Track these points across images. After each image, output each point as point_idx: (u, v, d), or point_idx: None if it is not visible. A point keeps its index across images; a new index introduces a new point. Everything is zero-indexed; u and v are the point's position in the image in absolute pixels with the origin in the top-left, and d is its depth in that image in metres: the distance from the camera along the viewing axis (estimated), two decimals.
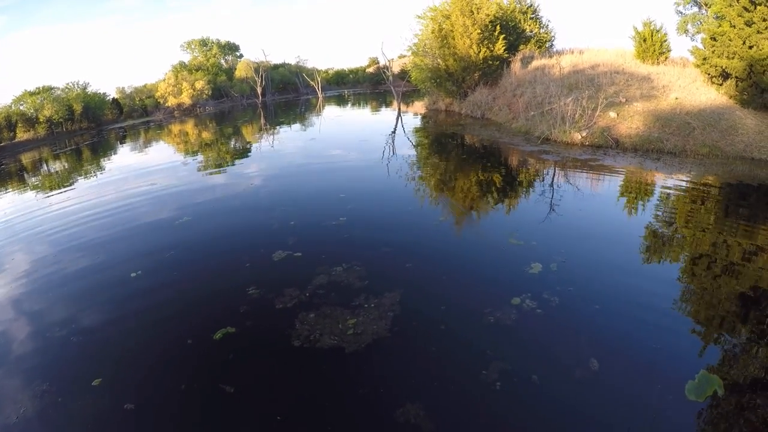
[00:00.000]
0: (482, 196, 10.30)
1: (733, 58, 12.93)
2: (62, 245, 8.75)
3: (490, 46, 22.58)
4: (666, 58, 18.59)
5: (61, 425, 4.18)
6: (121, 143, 27.27)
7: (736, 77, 12.99)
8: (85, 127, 37.70)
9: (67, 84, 39.61)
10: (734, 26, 12.76)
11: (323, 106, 40.16)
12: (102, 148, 25.58)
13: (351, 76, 65.74)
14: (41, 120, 34.16)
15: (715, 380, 3.91)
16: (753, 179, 9.89)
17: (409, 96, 37.21)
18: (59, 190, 14.18)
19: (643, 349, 4.55)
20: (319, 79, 51.94)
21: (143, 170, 15.91)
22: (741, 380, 4.02)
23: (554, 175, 11.30)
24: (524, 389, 4.09)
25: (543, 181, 10.99)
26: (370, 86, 59.66)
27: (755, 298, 5.36)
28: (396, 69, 42.28)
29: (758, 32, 12.09)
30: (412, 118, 26.67)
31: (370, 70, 62.77)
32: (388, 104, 36.21)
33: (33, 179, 17.79)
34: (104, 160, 20.31)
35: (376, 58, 63.33)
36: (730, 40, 12.91)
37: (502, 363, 4.39)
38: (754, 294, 5.45)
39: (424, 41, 25.37)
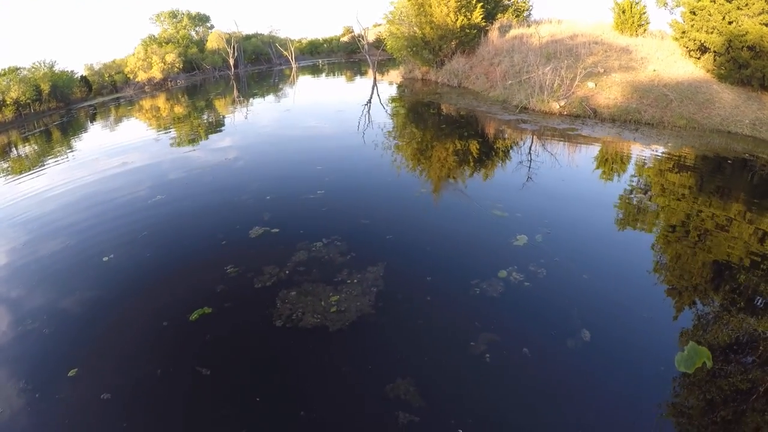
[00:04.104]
0: (462, 166, 10.12)
1: (712, 32, 12.93)
2: (32, 231, 8.23)
3: (468, 14, 22.17)
4: (645, 30, 18.58)
5: (41, 421, 3.91)
6: (91, 122, 26.09)
7: (715, 52, 13.01)
8: (54, 107, 35.90)
9: (34, 63, 37.44)
10: (714, 1, 12.73)
11: (297, 77, 39.22)
12: (72, 128, 24.40)
13: (325, 45, 64.19)
14: (8, 102, 32.29)
15: (704, 352, 3.89)
16: (729, 152, 9.97)
17: (384, 65, 36.52)
18: (29, 174, 13.43)
19: (634, 319, 4.53)
20: (292, 49, 50.61)
21: (114, 149, 15.15)
22: (729, 350, 4.02)
23: (535, 145, 11.21)
24: (515, 361, 4.03)
25: (523, 151, 10.89)
26: (344, 55, 58.42)
27: (742, 268, 5.38)
28: (371, 38, 41.45)
29: (738, 8, 12.09)
30: (388, 86, 26.23)
31: (345, 39, 61.35)
32: (363, 73, 35.51)
33: (2, 164, 16.88)
34: (75, 141, 19.32)
35: (351, 27, 61.91)
36: (709, 14, 12.88)
37: (492, 335, 4.32)
38: (740, 264, 5.48)
39: (400, 9, 24.81)
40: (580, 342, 4.16)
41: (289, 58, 49.94)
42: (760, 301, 4.83)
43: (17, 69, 36.11)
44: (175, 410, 3.87)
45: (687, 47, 14.26)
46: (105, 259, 6.65)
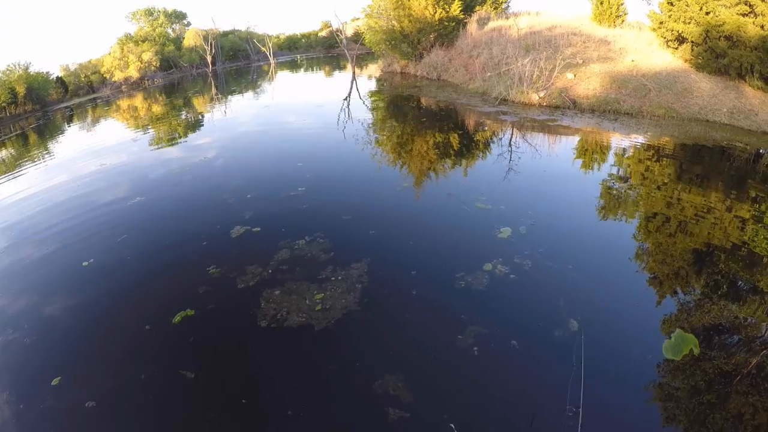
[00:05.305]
0: (445, 159, 10.10)
1: (689, 23, 13.07)
2: (9, 237, 7.94)
3: (446, 7, 22.19)
4: (622, 21, 18.78)
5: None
6: (68, 123, 25.47)
7: (692, 42, 13.16)
8: (30, 110, 34.86)
9: (8, 66, 36.42)
10: None
11: (276, 73, 38.82)
12: (49, 131, 23.75)
13: (303, 40, 63.69)
14: None
15: (691, 339, 3.92)
16: (708, 140, 10.11)
17: (363, 59, 36.40)
18: (6, 178, 13.02)
19: (620, 308, 4.58)
20: (270, 45, 50.08)
21: (92, 151, 14.74)
22: (713, 334, 4.06)
23: (515, 136, 11.24)
24: (504, 353, 4.02)
25: (504, 143, 10.90)
26: (323, 50, 58.09)
27: (722, 254, 5.45)
28: (349, 32, 41.26)
29: None
30: (367, 81, 26.15)
31: (323, 34, 60.91)
32: (342, 68, 35.30)
33: None
34: (52, 143, 18.81)
35: (329, 21, 61.40)
36: (687, 5, 13.03)
37: (479, 328, 4.31)
38: (720, 250, 5.54)
39: (378, 3, 24.71)
40: (568, 332, 4.16)
41: (268, 54, 49.39)
42: (741, 285, 4.90)
43: None
44: (160, 415, 3.79)
45: (665, 37, 14.41)
46: (85, 263, 6.47)
